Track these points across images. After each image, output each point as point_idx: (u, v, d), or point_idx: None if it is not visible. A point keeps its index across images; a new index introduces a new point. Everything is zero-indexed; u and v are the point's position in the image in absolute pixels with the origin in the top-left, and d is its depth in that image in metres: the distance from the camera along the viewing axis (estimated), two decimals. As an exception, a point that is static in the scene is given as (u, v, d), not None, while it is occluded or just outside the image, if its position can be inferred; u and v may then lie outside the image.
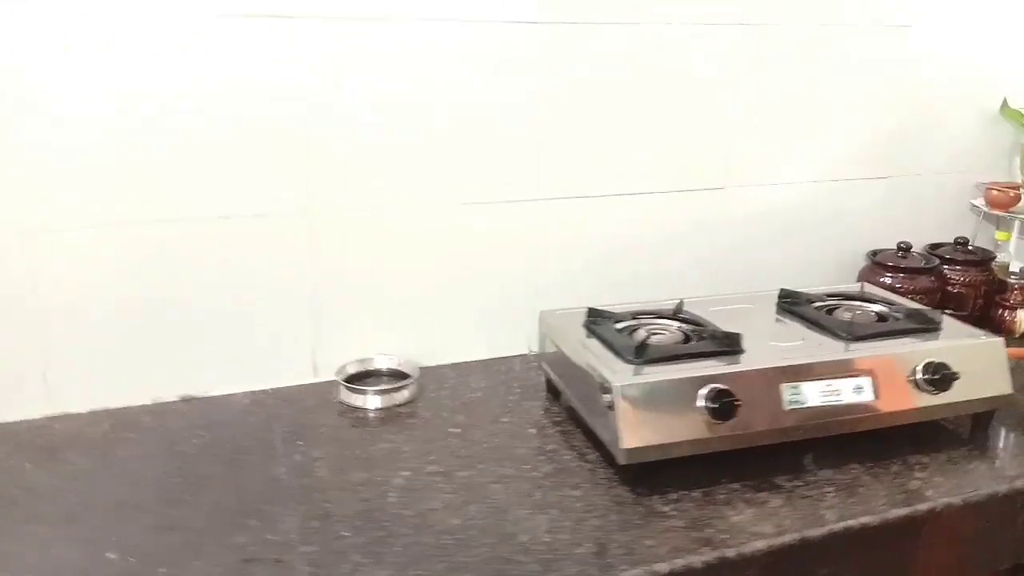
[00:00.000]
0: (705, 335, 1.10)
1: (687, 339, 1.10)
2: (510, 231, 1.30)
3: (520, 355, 1.33)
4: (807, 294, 1.25)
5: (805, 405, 1.01)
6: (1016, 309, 1.47)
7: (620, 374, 0.98)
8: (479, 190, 1.27)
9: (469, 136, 1.24)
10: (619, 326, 1.13)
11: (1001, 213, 1.55)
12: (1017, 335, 1.46)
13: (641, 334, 1.10)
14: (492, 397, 1.20)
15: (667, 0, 1.29)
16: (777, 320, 1.20)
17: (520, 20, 1.22)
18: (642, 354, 1.02)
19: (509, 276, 1.32)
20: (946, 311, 1.48)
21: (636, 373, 0.99)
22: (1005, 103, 1.56)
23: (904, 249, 1.48)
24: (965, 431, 1.11)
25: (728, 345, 1.06)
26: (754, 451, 0.99)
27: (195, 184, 1.12)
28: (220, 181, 1.13)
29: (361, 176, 1.20)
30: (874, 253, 1.51)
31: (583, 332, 1.13)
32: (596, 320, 1.15)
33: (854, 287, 1.29)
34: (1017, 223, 1.57)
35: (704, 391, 0.97)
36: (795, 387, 1.01)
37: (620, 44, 1.28)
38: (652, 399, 0.96)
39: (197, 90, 1.09)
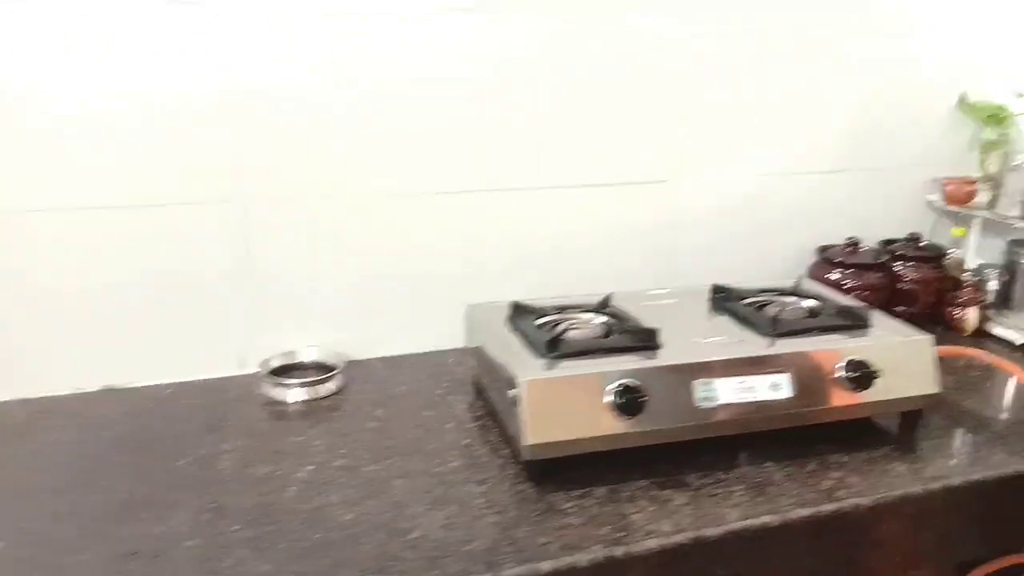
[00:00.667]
0: (625, 330, 1.08)
1: (607, 334, 1.09)
2: (446, 223, 1.29)
3: (456, 349, 1.32)
4: (739, 289, 1.22)
5: (718, 402, 0.99)
6: (966, 307, 1.44)
7: (528, 369, 0.96)
8: (412, 181, 1.25)
9: (401, 127, 1.22)
10: (540, 321, 1.11)
11: (957, 209, 1.52)
12: (967, 333, 1.44)
13: (559, 329, 1.08)
14: (418, 391, 1.19)
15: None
16: (707, 315, 1.18)
17: (454, 8, 1.21)
18: (554, 349, 1.00)
19: (445, 268, 1.31)
20: (897, 308, 1.48)
21: (546, 368, 0.97)
22: (963, 98, 1.53)
23: (852, 244, 1.46)
24: (894, 430, 1.09)
25: (644, 340, 1.04)
26: (667, 448, 0.97)
27: (115, 172, 1.12)
28: (140, 169, 1.13)
29: (291, 166, 1.19)
30: (823, 249, 1.48)
31: (505, 327, 1.12)
32: (519, 314, 1.13)
33: (790, 282, 1.27)
34: (974, 219, 1.54)
35: (612, 387, 0.95)
36: (708, 384, 0.99)
37: (559, 33, 1.26)
38: (558, 394, 0.95)
39: (119, 77, 1.08)
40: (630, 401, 0.94)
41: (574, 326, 1.10)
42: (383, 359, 1.30)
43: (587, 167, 1.34)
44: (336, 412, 1.13)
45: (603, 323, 1.12)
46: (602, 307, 1.17)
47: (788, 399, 1.01)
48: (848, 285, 1.41)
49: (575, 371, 0.96)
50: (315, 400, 1.16)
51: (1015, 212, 1.43)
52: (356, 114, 1.20)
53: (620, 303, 1.18)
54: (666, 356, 1.01)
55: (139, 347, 1.18)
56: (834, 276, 1.43)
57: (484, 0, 1.21)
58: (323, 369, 1.22)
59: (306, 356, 1.25)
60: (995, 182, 1.49)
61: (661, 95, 1.34)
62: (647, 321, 1.10)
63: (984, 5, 1.49)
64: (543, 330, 1.07)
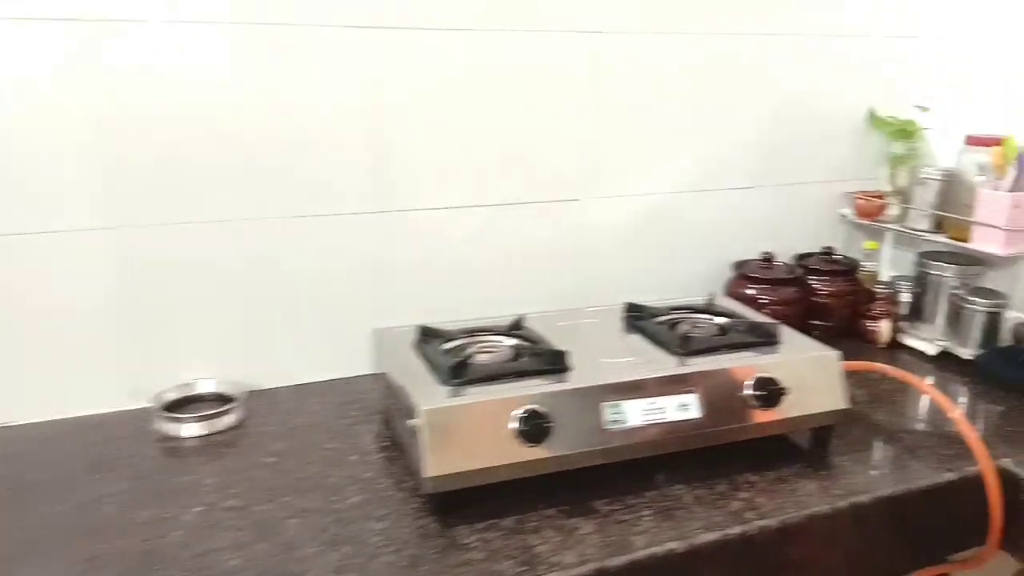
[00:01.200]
0: (534, 352, 1.05)
1: (517, 357, 1.06)
2: (353, 244, 1.25)
3: (368, 375, 1.27)
4: (652, 308, 1.21)
5: (627, 425, 0.97)
6: (880, 319, 1.46)
7: (430, 397, 0.93)
8: (314, 203, 1.21)
9: (301, 146, 1.18)
10: (448, 345, 1.08)
11: (869, 222, 1.55)
12: (882, 345, 1.46)
13: (467, 353, 1.04)
14: (324, 421, 1.14)
15: (516, 5, 1.25)
16: (619, 335, 1.16)
17: (350, 24, 1.17)
18: (459, 375, 0.97)
19: (354, 292, 1.26)
20: (813, 321, 1.49)
21: (449, 395, 0.94)
22: (872, 113, 1.56)
23: (767, 259, 1.46)
24: (806, 446, 1.09)
25: (553, 363, 1.01)
26: (576, 474, 0.95)
27: (-12, 199, 1.04)
28: (15, 196, 1.05)
29: (184, 187, 1.13)
30: (739, 264, 1.49)
31: (412, 352, 1.08)
32: (426, 339, 1.10)
33: (703, 299, 1.26)
34: (885, 232, 1.57)
35: (517, 413, 0.92)
36: (616, 406, 0.97)
37: (466, 51, 1.24)
38: (461, 423, 0.91)
39: (-13, 98, 1.02)
40: (535, 428, 0.91)
41: (483, 350, 1.07)
42: (290, 388, 1.24)
43: (497, 186, 1.31)
44: (232, 447, 1.07)
45: (513, 346, 1.09)
46: (513, 330, 1.14)
47: (697, 419, 0.99)
48: (764, 300, 1.41)
49: (479, 398, 0.93)
50: (212, 435, 1.10)
51: (923, 225, 1.46)
52: (250, 134, 1.15)
53: (532, 325, 1.15)
54: (575, 379, 0.99)
55: (16, 381, 1.10)
56: (750, 291, 1.43)
57: (386, 17, 1.18)
58: (223, 401, 1.16)
59: (205, 387, 1.19)
60: (904, 196, 1.52)
61: (572, 112, 1.33)
62: (559, 343, 1.07)
63: (890, 21, 1.52)
64: (449, 355, 1.04)
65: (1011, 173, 1.28)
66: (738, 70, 1.43)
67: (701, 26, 1.38)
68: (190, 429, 1.09)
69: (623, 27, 1.32)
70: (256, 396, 1.20)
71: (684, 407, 0.99)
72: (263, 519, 0.90)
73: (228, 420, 1.12)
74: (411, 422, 0.91)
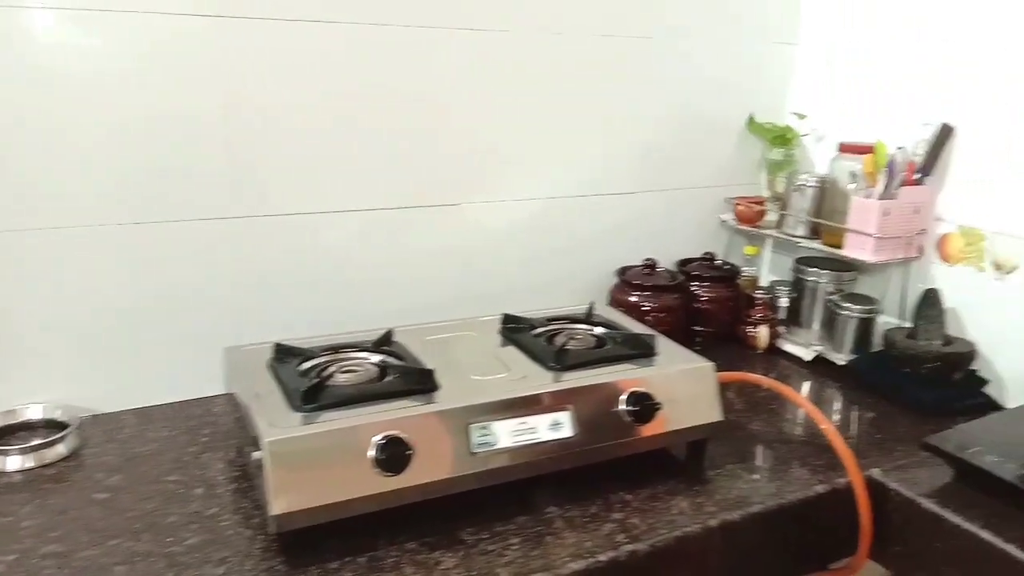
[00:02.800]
0: (400, 371, 0.98)
1: (382, 376, 0.99)
2: (211, 254, 1.14)
3: (224, 395, 1.17)
4: (531, 319, 1.17)
5: (496, 447, 0.91)
6: (759, 325, 1.46)
7: (277, 426, 0.85)
8: (161, 207, 1.10)
9: (141, 143, 1.07)
10: (307, 365, 1.00)
11: (748, 228, 1.55)
12: (761, 350, 1.46)
13: (326, 374, 0.97)
14: (169, 449, 1.04)
15: (391, 1, 1.18)
16: (495, 349, 1.10)
17: (202, 13, 1.06)
18: (312, 399, 0.89)
19: (208, 305, 1.16)
20: (695, 327, 1.49)
21: (301, 423, 0.86)
22: (751, 118, 1.56)
23: (649, 266, 1.45)
24: (681, 460, 1.06)
25: (419, 382, 0.95)
26: (442, 502, 0.89)
27: None
28: None
29: (11, 190, 1.01)
30: (623, 270, 1.46)
31: (265, 373, 0.99)
32: (282, 358, 1.01)
33: (583, 309, 1.22)
34: (765, 238, 1.58)
35: (375, 440, 0.85)
36: (485, 427, 0.91)
37: (340, 45, 1.15)
38: (313, 454, 0.83)
39: None
40: (394, 456, 0.85)
41: (345, 369, 0.99)
42: (134, 411, 1.13)
43: (372, 189, 1.23)
44: (61, 482, 0.96)
45: (378, 364, 1.02)
46: (380, 345, 1.06)
47: (570, 438, 0.95)
48: (646, 307, 1.40)
49: (334, 424, 0.85)
50: (39, 468, 0.98)
51: (800, 231, 1.47)
52: (91, 130, 1.03)
53: (402, 339, 1.09)
54: (441, 399, 0.93)
55: None
56: (633, 298, 1.41)
57: (245, 5, 1.08)
58: (54, 428, 1.04)
59: (32, 414, 1.06)
60: (782, 202, 1.53)
61: (453, 113, 1.27)
62: (428, 359, 1.01)
63: (770, 28, 1.53)
64: (305, 376, 0.96)
65: (881, 181, 1.30)
66: (622, 74, 1.40)
67: (585, 29, 1.34)
68: (13, 462, 0.97)
69: (506, 26, 1.27)
70: (94, 422, 1.08)
71: (557, 425, 0.95)
72: (86, 566, 0.80)
73: (58, 450, 1.00)
74: (255, 455, 0.83)
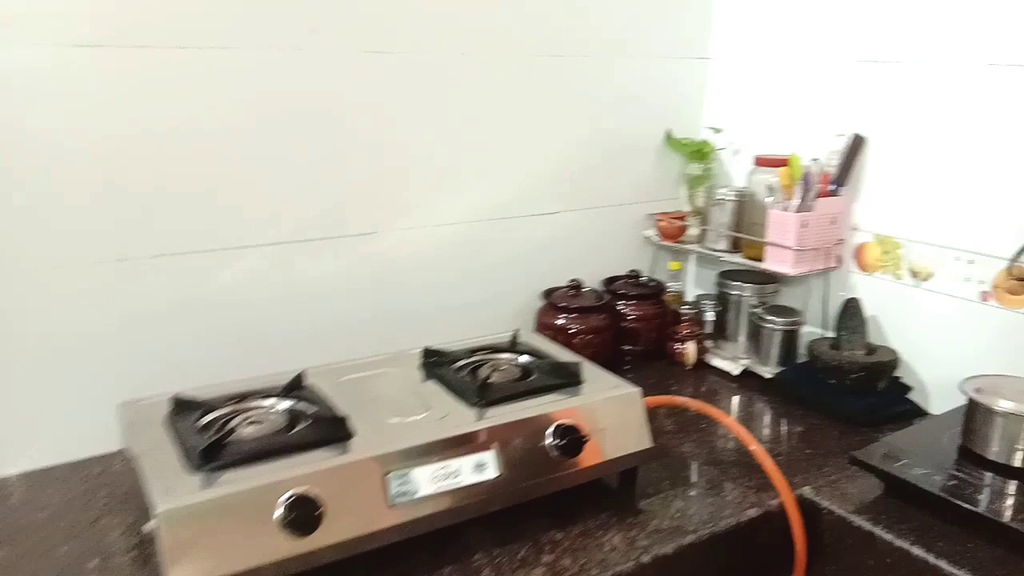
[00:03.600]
0: (312, 419, 0.92)
1: (292, 425, 0.92)
2: (104, 297, 1.06)
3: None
4: (452, 352, 1.12)
5: (417, 495, 0.86)
6: (686, 341, 1.45)
7: (172, 491, 0.77)
8: (40, 246, 1.01)
9: (11, 182, 0.98)
10: (207, 418, 0.93)
11: (671, 244, 1.54)
12: (689, 367, 1.45)
13: (229, 427, 0.90)
14: (63, 515, 0.95)
15: (294, 21, 1.11)
16: (416, 386, 1.05)
17: (86, 43, 0.99)
18: (211, 458, 0.82)
19: (104, 353, 1.07)
20: (623, 347, 1.46)
21: (201, 486, 0.79)
22: (669, 134, 1.56)
23: (575, 287, 1.42)
24: (612, 491, 1.03)
25: (332, 431, 0.89)
26: (361, 559, 0.83)
27: None
28: None
29: None
30: (548, 292, 1.43)
31: (163, 429, 0.91)
32: (181, 411, 0.94)
33: (507, 337, 1.18)
34: (688, 253, 1.57)
35: (283, 500, 0.79)
36: (404, 476, 0.86)
37: (234, 67, 1.08)
38: (213, 520, 0.77)
39: None
40: (303, 516, 0.79)
41: (251, 420, 0.92)
42: (22, 476, 1.03)
43: (279, 220, 1.17)
44: (-68, 566, 0.86)
45: (288, 411, 0.95)
46: (290, 390, 1.00)
47: (496, 479, 0.91)
48: (573, 329, 1.37)
49: (236, 485, 0.79)
50: (-93, 551, 0.88)
51: (721, 245, 1.47)
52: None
53: (315, 382, 1.02)
54: (356, 448, 0.87)
55: None
56: (560, 321, 1.38)
57: (129, 33, 1.01)
58: (-73, 504, 0.94)
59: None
60: (703, 216, 1.53)
61: (365, 137, 1.21)
62: (343, 403, 0.96)
63: (684, 42, 1.52)
64: (205, 432, 0.89)
65: (798, 193, 1.31)
66: (537, 94, 1.37)
67: (499, 49, 1.31)
68: None
69: (418, 47, 1.22)
70: (-25, 491, 0.99)
71: (481, 467, 0.90)
72: (-46, 668, 0.71)
73: (-71, 530, 0.90)
74: (146, 526, 0.75)
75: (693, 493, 1.04)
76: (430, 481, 0.87)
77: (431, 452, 0.88)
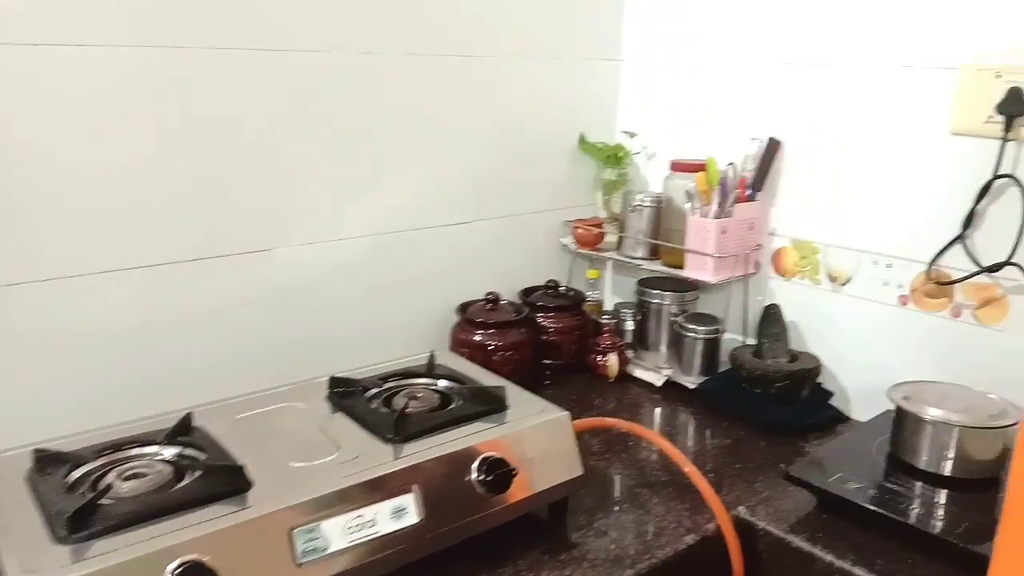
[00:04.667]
0: (202, 469, 0.81)
1: (179, 478, 0.80)
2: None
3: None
4: (362, 380, 1.02)
5: (328, 552, 0.76)
6: (608, 353, 1.40)
7: (33, 570, 0.65)
8: None
9: None
10: (76, 474, 0.80)
11: (589, 251, 1.49)
12: (612, 379, 1.40)
13: (101, 486, 0.77)
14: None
15: (165, 20, 0.99)
16: (323, 421, 0.94)
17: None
18: (81, 525, 0.69)
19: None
20: (545, 361, 1.40)
21: (70, 559, 0.67)
22: (583, 138, 1.50)
23: (492, 300, 1.34)
24: (542, 525, 0.96)
25: (227, 483, 0.78)
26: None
27: None
28: None
29: None
30: (463, 307, 1.35)
31: (24, 488, 0.78)
32: (44, 468, 0.80)
33: (423, 360, 1.09)
34: (606, 260, 1.52)
35: (171, 569, 0.68)
36: (311, 531, 0.76)
37: (106, 69, 0.95)
38: (81, 602, 0.65)
39: None
40: (191, 592, 0.68)
41: (129, 474, 0.80)
42: None
43: (150, 243, 1.03)
44: None
45: (173, 461, 0.83)
46: (175, 436, 0.87)
47: (416, 524, 0.82)
48: (492, 346, 1.29)
49: (109, 559, 0.67)
50: None
51: (639, 253, 1.43)
52: None
53: (205, 422, 0.91)
54: (255, 502, 0.76)
55: None
56: (477, 338, 1.30)
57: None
58: None
59: None
60: (620, 223, 1.48)
61: (250, 147, 1.09)
62: (239, 446, 0.85)
63: (596, 45, 1.47)
64: (75, 491, 0.76)
65: (716, 198, 1.28)
66: (442, 97, 1.28)
67: (404, 48, 1.21)
68: None
69: (312, 46, 1.11)
70: None
71: (400, 512, 0.81)
72: None
73: None
74: (-2, 618, 0.63)
75: (627, 519, 0.98)
76: (343, 534, 0.77)
77: (343, 500, 0.78)
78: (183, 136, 1.03)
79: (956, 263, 1.10)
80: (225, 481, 0.78)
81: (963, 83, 1.06)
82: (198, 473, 0.80)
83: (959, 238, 1.09)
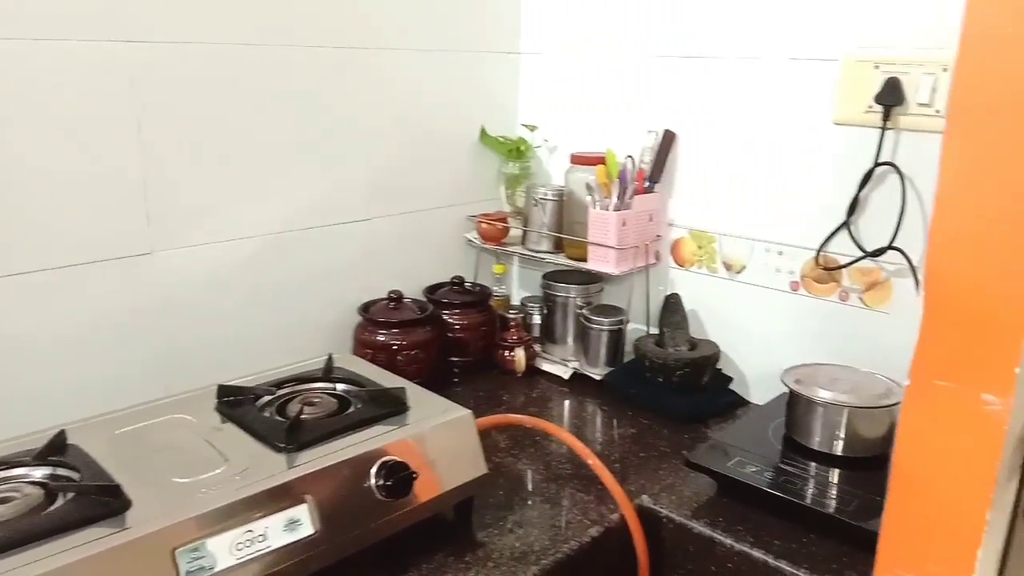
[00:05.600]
0: (74, 491, 0.75)
1: (51, 501, 0.75)
2: None
3: None
4: (253, 387, 0.98)
5: (216, 571, 0.72)
6: (515, 347, 1.39)
7: None
8: None
9: None
10: (-70, 504, 0.73)
11: (494, 246, 1.48)
12: (520, 373, 1.39)
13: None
14: None
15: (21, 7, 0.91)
16: (210, 432, 0.90)
17: None
18: (-69, 562, 0.64)
19: None
20: (452, 359, 1.38)
21: (-85, 600, 0.61)
22: (483, 131, 1.49)
23: (395, 299, 1.31)
24: (445, 528, 0.94)
25: (104, 504, 0.73)
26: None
27: None
28: None
29: None
30: (366, 307, 1.31)
31: None
32: None
33: (321, 364, 1.05)
34: (512, 254, 1.51)
35: (36, 602, 0.63)
36: (196, 549, 0.72)
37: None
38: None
39: None
40: (60, 623, 0.63)
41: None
42: None
43: (21, 250, 0.96)
44: None
45: (45, 483, 0.77)
46: (47, 456, 0.81)
47: (312, 536, 0.79)
48: (396, 345, 1.26)
49: (-36, 596, 0.61)
50: None
51: (544, 246, 1.43)
52: None
53: (81, 439, 0.85)
54: (134, 522, 0.71)
55: None
56: (381, 338, 1.27)
57: None
58: None
59: None
60: (524, 217, 1.47)
61: (127, 140, 1.03)
62: (117, 464, 0.80)
63: (494, 38, 1.46)
64: (-74, 525, 0.69)
65: (615, 191, 1.28)
66: (337, 90, 1.24)
67: (294, 40, 1.16)
68: None
69: (186, 36, 1.05)
70: None
71: (294, 524, 0.78)
72: None
73: None
74: None
75: (533, 515, 0.97)
76: (231, 551, 0.73)
77: (231, 515, 0.74)
78: (47, 134, 0.95)
79: (843, 249, 1.14)
80: (101, 502, 0.73)
81: (844, 74, 1.10)
82: (71, 495, 0.74)
83: (844, 225, 1.13)
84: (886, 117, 1.06)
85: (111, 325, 1.04)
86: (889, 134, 1.07)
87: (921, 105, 1.04)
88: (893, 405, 0.99)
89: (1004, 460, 0.70)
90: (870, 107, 1.08)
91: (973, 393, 0.69)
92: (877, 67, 1.07)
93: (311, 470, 0.81)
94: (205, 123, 1.09)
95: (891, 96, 1.05)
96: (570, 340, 1.42)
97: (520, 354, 1.39)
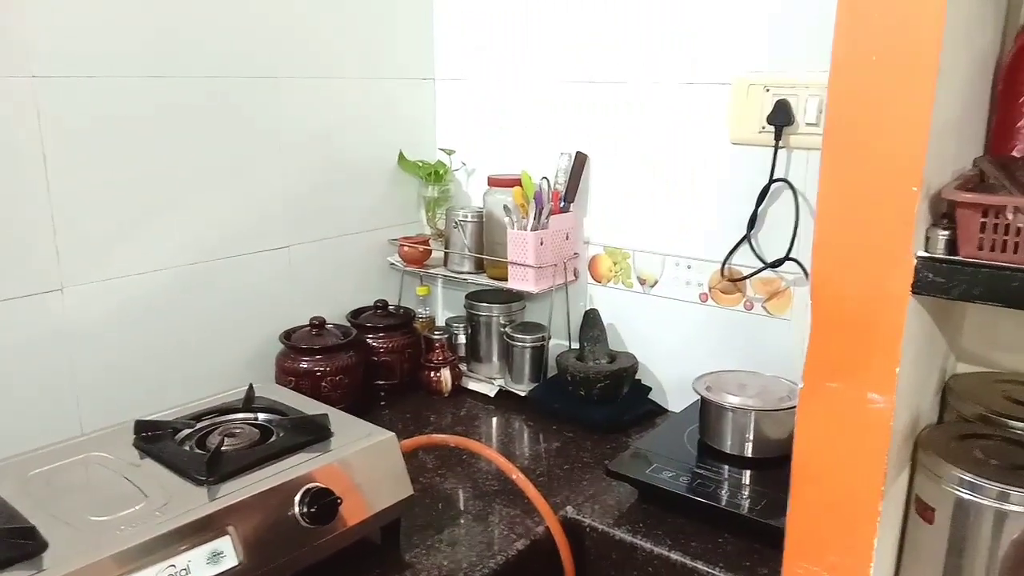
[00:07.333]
0: (-16, 537, 0.73)
1: (-43, 549, 0.73)
2: None
3: None
4: (172, 421, 0.97)
5: (136, 609, 0.71)
6: (441, 368, 1.41)
7: None
8: None
9: None
10: None
11: (417, 269, 1.50)
12: (447, 394, 1.41)
13: None
14: None
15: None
16: (128, 469, 0.88)
17: None
18: None
19: None
20: (378, 382, 1.39)
21: None
22: (401, 155, 1.51)
23: (317, 325, 1.31)
24: (373, 551, 0.95)
25: (16, 548, 0.71)
26: None
27: None
28: None
29: None
30: (287, 335, 1.31)
31: None
32: None
33: (241, 394, 1.05)
34: (436, 276, 1.53)
35: (-56, 655, 0.61)
36: (116, 589, 0.71)
37: None
38: None
39: None
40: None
41: None
42: None
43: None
44: None
45: (-49, 531, 0.75)
46: (-47, 502, 0.79)
47: (236, 567, 0.79)
48: (320, 372, 1.26)
49: None
50: None
51: (465, 267, 1.45)
52: None
53: (-8, 484, 0.82)
54: (50, 565, 0.70)
55: None
56: (304, 365, 1.27)
57: None
58: None
59: None
60: (445, 239, 1.50)
61: (30, 172, 1.01)
62: (32, 505, 0.78)
63: (407, 64, 1.48)
64: None
65: (532, 212, 1.32)
66: (249, 118, 1.24)
67: (203, 69, 1.16)
68: None
69: (90, 71, 1.04)
70: None
71: (217, 557, 0.78)
72: None
73: None
74: None
75: (461, 533, 0.99)
76: (153, 587, 0.73)
77: (151, 551, 0.74)
78: (-53, 171, 0.93)
79: (745, 261, 1.21)
80: (15, 545, 0.71)
81: (737, 97, 1.17)
82: (-21, 542, 0.72)
83: (746, 238, 1.20)
84: (778, 136, 1.13)
85: (22, 364, 1.02)
86: (782, 152, 1.14)
87: (809, 124, 1.11)
88: (795, 407, 1.04)
89: (893, 454, 0.76)
90: (763, 127, 1.15)
91: (860, 393, 0.75)
92: (767, 90, 1.14)
93: (232, 501, 0.81)
94: (114, 155, 1.08)
95: (781, 117, 1.12)
96: (495, 358, 1.44)
97: (446, 374, 1.41)
